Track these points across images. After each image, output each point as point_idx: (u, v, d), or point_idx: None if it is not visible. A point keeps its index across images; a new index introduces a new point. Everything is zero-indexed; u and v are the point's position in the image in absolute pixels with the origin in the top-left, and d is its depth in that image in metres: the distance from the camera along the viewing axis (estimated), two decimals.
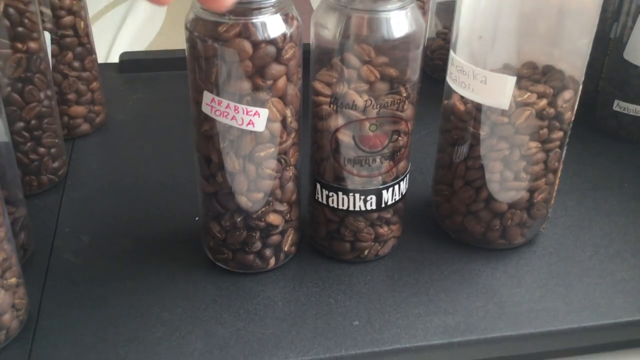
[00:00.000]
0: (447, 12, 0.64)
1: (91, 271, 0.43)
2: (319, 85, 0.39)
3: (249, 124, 0.37)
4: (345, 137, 0.39)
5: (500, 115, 0.40)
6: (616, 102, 0.57)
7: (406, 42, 0.37)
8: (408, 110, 0.40)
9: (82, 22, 0.53)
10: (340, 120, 0.39)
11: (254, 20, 0.35)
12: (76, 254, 0.44)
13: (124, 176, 0.52)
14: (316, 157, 0.41)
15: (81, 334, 0.39)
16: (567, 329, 0.40)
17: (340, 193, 0.41)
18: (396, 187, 0.42)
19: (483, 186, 0.42)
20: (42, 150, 0.49)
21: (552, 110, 0.39)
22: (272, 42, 0.35)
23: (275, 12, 0.35)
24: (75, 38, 0.53)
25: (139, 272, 0.43)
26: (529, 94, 0.39)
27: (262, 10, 0.35)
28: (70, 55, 0.53)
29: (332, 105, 0.39)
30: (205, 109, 0.37)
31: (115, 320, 0.40)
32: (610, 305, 0.42)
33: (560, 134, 0.41)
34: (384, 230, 0.43)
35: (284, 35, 0.36)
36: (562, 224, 0.48)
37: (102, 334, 0.39)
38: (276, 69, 0.36)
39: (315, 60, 0.39)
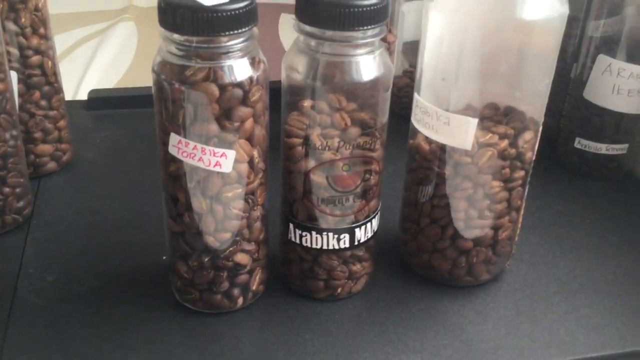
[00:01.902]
0: (413, 51, 0.65)
1: (55, 313, 0.42)
2: (291, 128, 0.39)
3: (216, 165, 0.37)
4: (318, 177, 0.39)
5: (464, 155, 0.40)
6: (577, 139, 0.58)
7: (375, 84, 0.38)
8: (379, 150, 0.40)
9: (49, 62, 0.53)
10: (312, 162, 0.39)
11: (220, 64, 0.35)
12: (40, 296, 0.44)
13: (90, 215, 0.52)
14: (288, 198, 0.42)
15: None
16: None
17: (313, 232, 0.41)
18: (368, 224, 0.42)
19: (449, 224, 0.43)
20: (6, 190, 0.48)
21: (513, 151, 0.40)
22: (239, 85, 0.36)
23: (242, 57, 0.36)
24: (42, 77, 0.53)
25: (104, 313, 0.43)
26: (490, 135, 0.40)
27: (229, 54, 0.35)
28: (37, 94, 0.53)
29: (304, 147, 0.39)
30: (172, 150, 0.37)
31: None
32: (575, 341, 0.42)
33: (521, 173, 0.42)
34: (356, 267, 0.43)
35: (251, 78, 0.36)
36: (526, 260, 0.49)
37: None
38: (243, 111, 0.36)
39: (286, 102, 0.40)
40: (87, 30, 0.94)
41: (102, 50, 0.87)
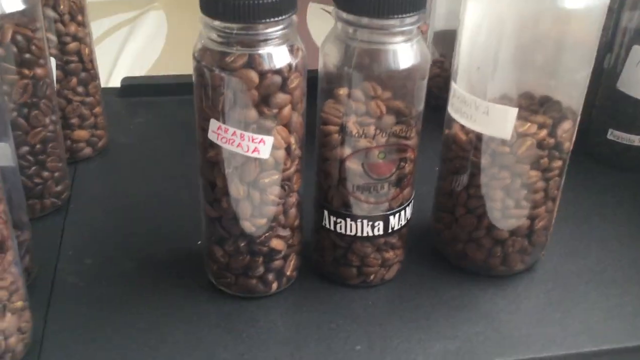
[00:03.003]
0: (444, 41, 0.65)
1: (94, 293, 0.43)
2: (327, 115, 0.40)
3: (254, 151, 0.37)
4: (354, 164, 0.40)
5: (502, 145, 0.40)
6: (610, 131, 0.58)
7: (411, 73, 0.38)
8: (414, 139, 0.41)
9: (86, 49, 0.54)
10: (348, 149, 0.40)
11: (260, 52, 0.36)
12: (79, 277, 0.45)
13: (125, 199, 0.53)
14: (323, 185, 0.42)
15: (84, 357, 0.39)
16: (565, 354, 0.41)
17: (348, 219, 0.42)
18: (402, 212, 0.43)
19: (484, 214, 0.43)
20: (46, 174, 0.49)
21: (552, 140, 0.40)
22: (278, 72, 0.36)
23: (282, 44, 0.36)
24: (79, 64, 0.54)
25: (142, 295, 0.43)
26: (529, 124, 0.40)
27: (269, 41, 0.36)
28: (74, 80, 0.54)
29: (340, 134, 0.39)
30: (212, 136, 0.38)
31: (118, 343, 0.40)
32: (606, 330, 0.42)
33: (559, 163, 0.42)
34: (389, 255, 0.44)
35: (290, 65, 0.36)
36: (559, 250, 0.49)
37: (105, 357, 0.39)
38: (282, 97, 0.37)
39: (322, 89, 0.40)
40: (116, 19, 0.95)
41: (132, 39, 0.88)
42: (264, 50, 0.36)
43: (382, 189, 0.41)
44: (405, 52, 0.38)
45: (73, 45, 0.53)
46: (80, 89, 0.55)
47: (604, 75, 0.58)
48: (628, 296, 0.45)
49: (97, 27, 0.93)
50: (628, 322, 0.43)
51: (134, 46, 0.86)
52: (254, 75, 0.36)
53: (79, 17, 0.53)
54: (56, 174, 0.50)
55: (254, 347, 0.40)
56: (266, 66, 0.36)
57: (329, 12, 0.39)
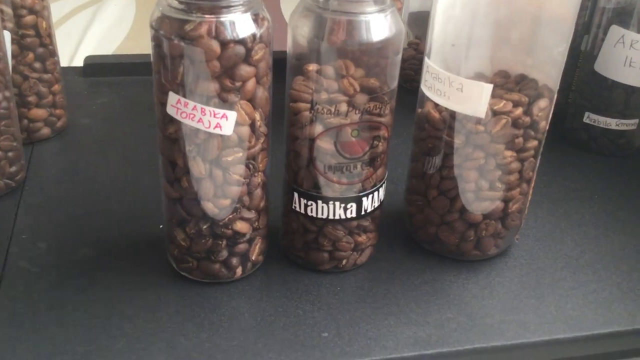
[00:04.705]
0: (419, 23, 0.64)
1: (48, 279, 0.41)
2: (297, 92, 0.38)
3: (216, 127, 0.35)
4: (325, 143, 0.38)
5: (476, 123, 0.39)
6: (586, 114, 0.57)
7: (385, 46, 0.37)
8: (388, 116, 0.39)
9: (44, 22, 0.51)
10: (319, 127, 0.38)
11: (222, 19, 0.34)
12: (32, 262, 0.42)
13: (84, 182, 0.51)
14: (293, 165, 0.40)
15: (37, 346, 0.37)
16: (539, 341, 0.40)
17: (319, 201, 0.40)
18: (375, 194, 0.41)
19: (457, 196, 0.42)
20: None
21: (527, 119, 0.39)
22: (241, 42, 0.34)
23: (245, 12, 0.34)
24: (36, 38, 0.51)
25: (99, 281, 0.41)
26: (504, 102, 0.38)
27: (231, 8, 0.34)
28: (31, 55, 0.51)
29: (311, 112, 0.38)
30: (171, 110, 0.35)
31: (74, 331, 0.38)
32: (582, 317, 0.41)
33: (535, 143, 0.40)
34: (362, 238, 0.42)
35: (254, 35, 0.34)
36: (533, 235, 0.48)
37: (59, 346, 0.37)
38: (245, 70, 0.35)
39: (292, 65, 0.38)
40: None
41: (99, 18, 0.85)
42: (226, 18, 0.34)
43: (354, 169, 0.39)
44: (379, 24, 0.36)
45: (29, 19, 0.50)
46: (37, 65, 0.52)
47: (581, 58, 0.57)
48: (604, 282, 0.44)
49: (62, 5, 0.90)
50: (604, 309, 0.42)
51: (100, 26, 0.83)
52: (215, 45, 0.34)
53: None
54: (10, 154, 0.48)
55: (216, 334, 0.38)
56: (228, 35, 0.34)
57: None
